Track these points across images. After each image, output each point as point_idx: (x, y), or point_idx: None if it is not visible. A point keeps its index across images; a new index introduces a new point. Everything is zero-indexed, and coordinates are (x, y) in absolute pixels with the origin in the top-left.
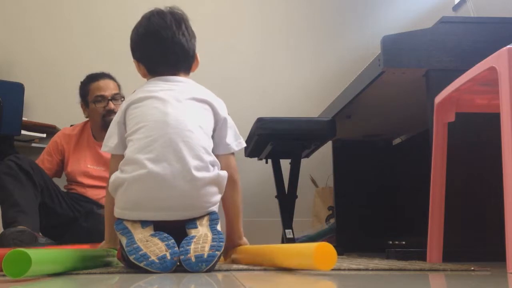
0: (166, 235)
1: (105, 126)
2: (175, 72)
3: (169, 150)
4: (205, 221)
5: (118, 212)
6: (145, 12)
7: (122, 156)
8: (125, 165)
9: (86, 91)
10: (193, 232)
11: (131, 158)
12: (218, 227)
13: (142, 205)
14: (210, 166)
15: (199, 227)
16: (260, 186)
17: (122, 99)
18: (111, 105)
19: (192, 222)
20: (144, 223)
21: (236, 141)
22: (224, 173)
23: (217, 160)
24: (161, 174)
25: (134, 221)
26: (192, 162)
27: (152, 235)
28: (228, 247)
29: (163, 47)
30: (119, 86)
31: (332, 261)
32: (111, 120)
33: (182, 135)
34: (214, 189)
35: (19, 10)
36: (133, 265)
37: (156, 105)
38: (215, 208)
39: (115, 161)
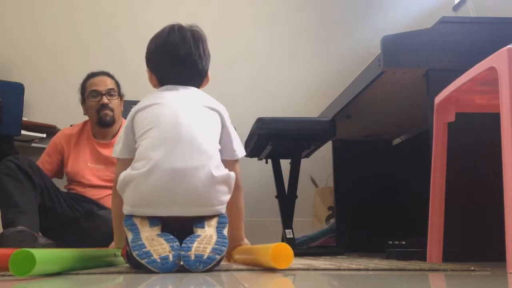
0: (172, 237)
1: (100, 121)
2: (185, 85)
3: (182, 146)
4: (213, 222)
5: (127, 210)
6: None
7: (127, 160)
8: (136, 162)
9: (84, 88)
10: (199, 231)
11: (142, 155)
12: (225, 232)
13: (152, 201)
14: (221, 165)
15: (206, 227)
16: (260, 186)
17: (119, 97)
18: (105, 99)
19: (200, 221)
20: (152, 222)
21: (240, 148)
22: (233, 174)
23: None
24: (173, 169)
25: (142, 219)
26: (206, 160)
27: (158, 235)
28: (229, 248)
29: (178, 65)
30: (117, 84)
31: (288, 260)
32: (105, 115)
33: (195, 134)
34: (224, 188)
35: (19, 10)
36: (135, 263)
37: (166, 109)
38: (224, 210)
39: (120, 165)
